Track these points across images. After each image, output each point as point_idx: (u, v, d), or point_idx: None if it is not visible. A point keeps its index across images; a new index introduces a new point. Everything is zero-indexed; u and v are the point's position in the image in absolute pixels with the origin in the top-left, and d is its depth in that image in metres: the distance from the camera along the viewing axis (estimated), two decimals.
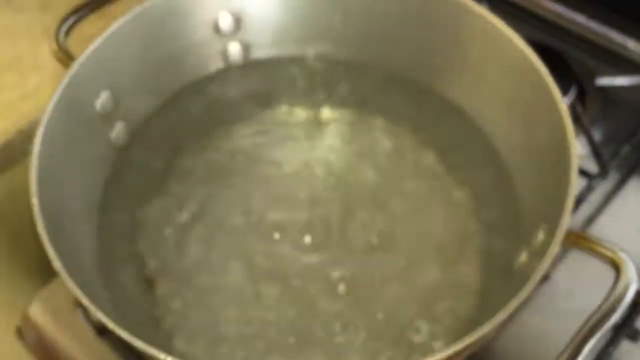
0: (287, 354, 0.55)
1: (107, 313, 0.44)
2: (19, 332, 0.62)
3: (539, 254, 0.47)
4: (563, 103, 0.51)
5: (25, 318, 0.61)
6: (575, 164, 0.48)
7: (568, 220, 0.45)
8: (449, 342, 0.54)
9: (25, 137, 0.70)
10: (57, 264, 0.45)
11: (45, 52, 0.75)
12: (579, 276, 0.61)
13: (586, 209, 0.65)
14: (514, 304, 0.42)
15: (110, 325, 0.43)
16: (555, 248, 0.44)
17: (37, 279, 0.77)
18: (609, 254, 0.45)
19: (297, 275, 0.59)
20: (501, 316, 0.42)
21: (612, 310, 0.42)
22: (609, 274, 0.46)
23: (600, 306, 0.43)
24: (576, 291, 0.60)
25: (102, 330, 0.59)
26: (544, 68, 0.53)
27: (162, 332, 0.57)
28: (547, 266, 0.43)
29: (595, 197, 0.66)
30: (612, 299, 0.43)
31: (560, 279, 0.60)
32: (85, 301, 0.44)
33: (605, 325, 0.41)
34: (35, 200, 0.48)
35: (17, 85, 0.73)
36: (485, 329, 0.41)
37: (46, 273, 0.52)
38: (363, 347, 0.56)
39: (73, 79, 0.54)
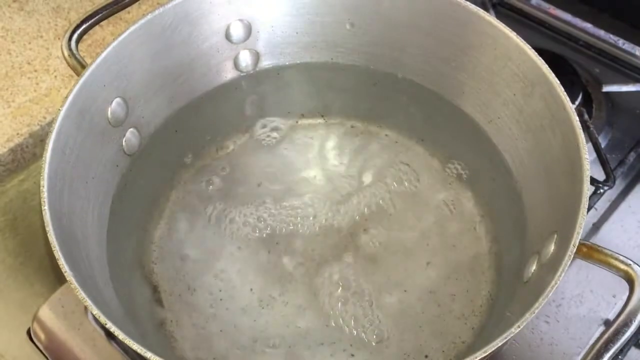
0: None
1: (116, 320, 0.45)
2: (30, 334, 0.62)
3: (550, 265, 0.47)
4: (574, 113, 0.51)
5: (37, 320, 0.61)
6: (587, 174, 0.48)
7: (580, 232, 0.45)
8: (458, 348, 0.54)
9: (37, 140, 0.70)
10: (68, 273, 0.45)
11: (57, 55, 0.75)
12: (584, 282, 0.61)
13: (592, 215, 0.66)
14: (527, 317, 0.42)
15: (121, 335, 0.43)
16: (568, 260, 0.44)
17: (49, 281, 0.77)
18: (623, 267, 0.44)
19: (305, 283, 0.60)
20: (514, 330, 0.42)
21: (626, 324, 0.42)
22: (614, 280, 0.47)
23: (614, 320, 0.42)
24: (583, 297, 0.60)
25: (112, 334, 0.59)
26: (555, 78, 0.53)
27: (168, 336, 0.57)
28: (560, 279, 0.43)
29: (601, 204, 0.66)
30: (627, 312, 0.42)
31: (567, 286, 0.61)
32: (95, 311, 0.44)
33: (620, 340, 0.41)
34: (46, 208, 0.48)
35: (29, 89, 0.73)
36: (499, 342, 0.41)
37: (58, 275, 0.53)
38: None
39: (84, 86, 0.54)
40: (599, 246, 0.46)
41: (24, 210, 0.74)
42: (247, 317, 0.58)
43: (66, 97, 0.53)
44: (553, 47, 0.77)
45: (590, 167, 0.65)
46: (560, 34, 0.79)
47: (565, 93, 0.52)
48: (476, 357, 0.41)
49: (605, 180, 0.65)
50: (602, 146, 0.69)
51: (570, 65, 0.74)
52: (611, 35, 0.76)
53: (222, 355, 0.56)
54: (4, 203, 0.72)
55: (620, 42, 0.76)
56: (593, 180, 0.64)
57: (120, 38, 0.56)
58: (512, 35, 0.56)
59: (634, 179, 0.68)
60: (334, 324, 0.58)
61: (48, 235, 0.47)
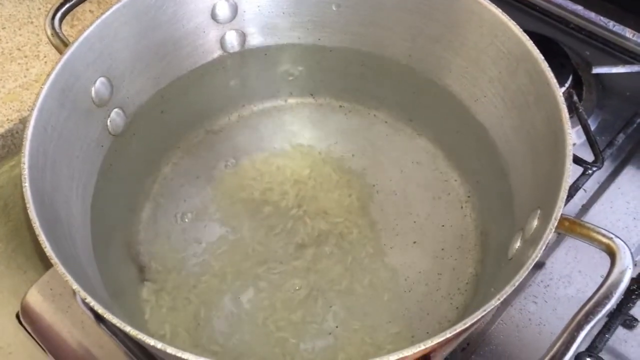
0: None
1: (99, 299, 0.44)
2: (19, 318, 0.62)
3: (533, 240, 0.47)
4: (558, 89, 0.51)
5: (25, 303, 0.61)
6: (570, 149, 0.47)
7: (562, 206, 0.45)
8: (444, 328, 0.54)
9: (27, 125, 0.70)
10: (47, 248, 0.44)
11: (47, 41, 0.75)
12: (573, 263, 0.61)
13: (581, 197, 0.65)
14: (507, 290, 0.42)
15: (100, 310, 0.42)
16: (549, 233, 0.44)
17: (41, 268, 0.77)
18: (604, 240, 0.44)
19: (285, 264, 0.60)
20: (494, 302, 0.41)
21: (607, 297, 0.41)
22: (603, 261, 0.46)
23: (595, 293, 0.42)
24: (571, 278, 0.60)
25: (100, 316, 0.59)
26: (539, 54, 0.53)
27: (153, 314, 0.57)
28: (540, 252, 0.43)
29: (590, 186, 0.66)
30: (607, 285, 0.42)
31: (555, 267, 0.61)
32: (75, 286, 0.43)
33: (600, 312, 0.41)
34: (27, 185, 0.47)
35: (19, 75, 0.73)
36: (478, 315, 0.41)
37: (47, 259, 0.52)
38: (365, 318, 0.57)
39: (67, 64, 0.54)
40: (581, 220, 0.45)
41: (15, 196, 0.74)
42: (234, 296, 0.58)
43: (48, 75, 0.52)
44: (543, 30, 0.77)
45: (580, 149, 0.66)
46: (550, 16, 0.79)
47: (549, 69, 0.51)
48: (456, 330, 0.41)
49: (594, 162, 0.65)
50: (592, 128, 0.68)
51: (561, 48, 0.73)
52: (601, 18, 0.76)
53: (208, 334, 0.56)
54: None
55: (611, 24, 0.75)
56: (582, 162, 0.64)
57: (103, 16, 0.56)
58: (498, 12, 0.55)
59: (624, 160, 0.68)
60: (320, 304, 0.58)
61: (29, 212, 0.46)
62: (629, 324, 0.57)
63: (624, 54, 0.75)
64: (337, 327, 0.57)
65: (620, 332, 0.57)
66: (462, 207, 0.62)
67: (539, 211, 0.49)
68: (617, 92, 0.73)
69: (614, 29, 0.75)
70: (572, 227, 0.46)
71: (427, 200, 0.63)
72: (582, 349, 0.54)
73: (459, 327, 0.41)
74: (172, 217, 0.63)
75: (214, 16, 0.64)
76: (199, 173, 0.65)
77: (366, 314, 0.57)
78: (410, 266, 0.60)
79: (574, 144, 0.61)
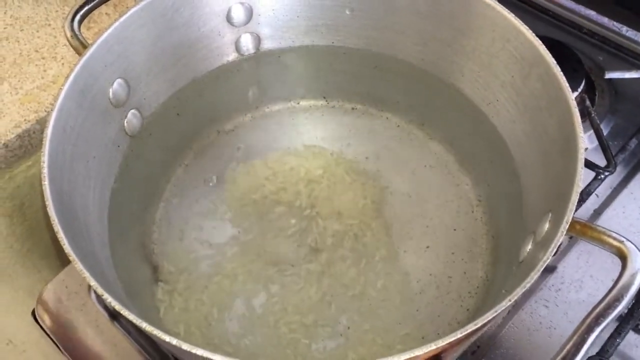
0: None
1: (115, 296, 0.44)
2: (35, 316, 0.62)
3: (544, 242, 0.47)
4: (570, 92, 0.51)
5: (41, 301, 0.62)
6: (581, 152, 0.47)
7: (573, 209, 0.45)
8: (454, 329, 0.54)
9: (44, 126, 0.70)
10: (66, 246, 0.45)
11: (64, 43, 0.76)
12: (584, 268, 0.61)
13: (593, 202, 0.65)
14: (518, 292, 0.42)
15: (117, 307, 0.43)
16: (560, 236, 0.44)
17: (56, 267, 0.77)
18: (615, 243, 0.44)
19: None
20: (505, 304, 0.42)
21: (617, 299, 0.42)
22: (614, 266, 0.46)
23: (606, 295, 0.42)
24: (582, 282, 0.60)
25: (115, 314, 0.60)
26: (552, 59, 0.53)
27: (167, 313, 0.58)
28: (552, 254, 0.43)
29: (602, 191, 0.66)
30: (618, 288, 0.42)
31: (566, 271, 0.61)
32: (93, 282, 0.44)
33: (611, 315, 0.41)
34: (46, 184, 0.48)
35: (37, 76, 0.74)
36: (489, 316, 0.41)
37: (64, 260, 0.53)
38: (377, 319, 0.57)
39: (86, 65, 0.55)
40: (592, 224, 0.46)
41: (32, 196, 0.75)
42: (246, 299, 0.59)
43: (68, 76, 0.53)
44: (556, 35, 0.77)
45: (592, 154, 0.66)
46: (563, 21, 0.79)
47: (561, 73, 0.52)
48: (467, 330, 0.41)
49: (607, 166, 0.65)
50: (605, 133, 0.68)
51: (574, 53, 0.73)
52: (615, 23, 0.76)
53: (220, 335, 0.57)
54: (12, 189, 0.72)
55: (624, 29, 0.75)
56: (594, 166, 0.64)
57: (121, 19, 0.57)
58: (510, 16, 0.56)
59: (636, 165, 0.68)
60: (333, 308, 0.58)
61: (47, 209, 0.47)
62: None
63: (637, 59, 0.75)
64: (348, 328, 0.57)
65: (631, 336, 0.57)
66: (473, 210, 0.63)
67: (550, 214, 0.49)
68: (630, 97, 0.73)
69: (627, 34, 0.75)
70: (583, 230, 0.46)
71: (438, 203, 0.64)
72: (593, 352, 0.54)
73: (470, 328, 0.41)
74: (185, 217, 0.63)
75: (229, 19, 0.65)
76: (211, 173, 0.66)
77: (377, 316, 0.58)
78: (423, 269, 0.60)
79: (586, 149, 0.61)
